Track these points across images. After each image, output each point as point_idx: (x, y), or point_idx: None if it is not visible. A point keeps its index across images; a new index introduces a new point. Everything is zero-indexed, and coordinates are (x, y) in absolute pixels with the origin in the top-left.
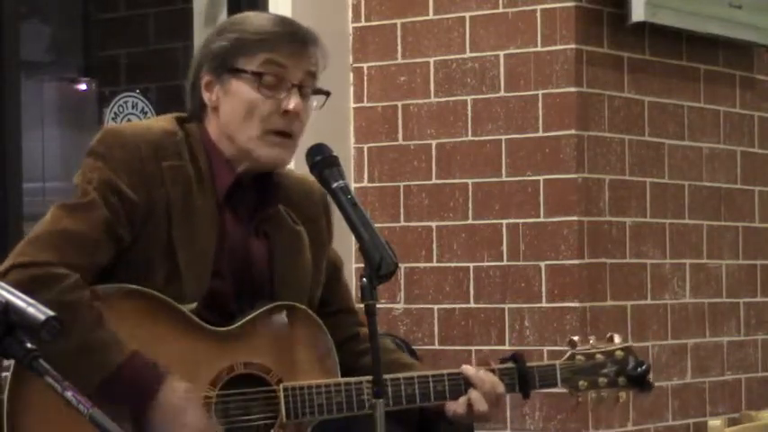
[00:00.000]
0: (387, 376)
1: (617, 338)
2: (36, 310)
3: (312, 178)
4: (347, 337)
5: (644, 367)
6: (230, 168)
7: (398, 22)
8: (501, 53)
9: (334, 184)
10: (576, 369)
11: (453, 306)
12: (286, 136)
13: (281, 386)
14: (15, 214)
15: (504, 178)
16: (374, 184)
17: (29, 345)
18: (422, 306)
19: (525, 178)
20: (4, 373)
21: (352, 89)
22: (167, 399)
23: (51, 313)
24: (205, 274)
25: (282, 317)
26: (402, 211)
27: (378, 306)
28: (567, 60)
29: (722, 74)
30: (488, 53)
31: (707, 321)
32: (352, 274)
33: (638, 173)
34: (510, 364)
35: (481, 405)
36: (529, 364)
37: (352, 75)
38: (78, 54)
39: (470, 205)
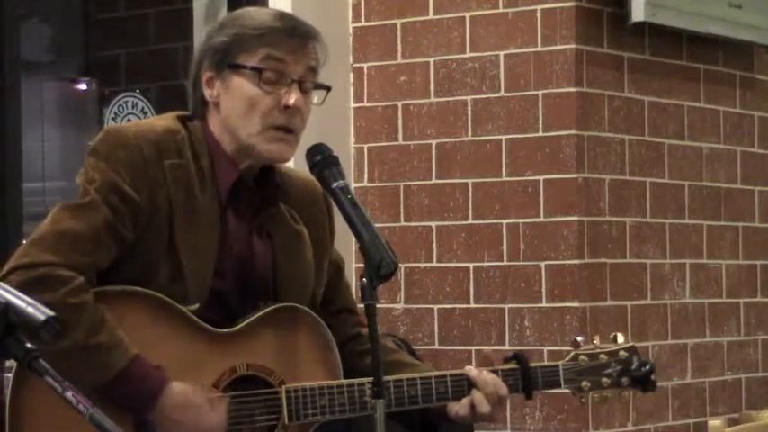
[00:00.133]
0: (389, 377)
1: (620, 338)
2: (36, 310)
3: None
4: (349, 337)
5: (648, 367)
6: (232, 165)
7: (398, 22)
8: (501, 53)
9: (334, 184)
10: (579, 369)
11: (453, 306)
12: (287, 131)
13: (284, 388)
14: (15, 214)
15: (504, 178)
16: (374, 184)
17: (29, 345)
18: (422, 306)
19: (525, 178)
20: (6, 374)
21: (352, 89)
22: (170, 401)
23: (51, 313)
24: (207, 274)
25: (285, 318)
26: (402, 211)
27: (378, 306)
28: (567, 60)
29: (722, 74)
30: (488, 53)
31: (707, 321)
32: (352, 274)
33: (638, 173)
34: (513, 365)
35: (484, 406)
36: (532, 364)
37: (352, 75)
38: (78, 54)
39: (470, 205)
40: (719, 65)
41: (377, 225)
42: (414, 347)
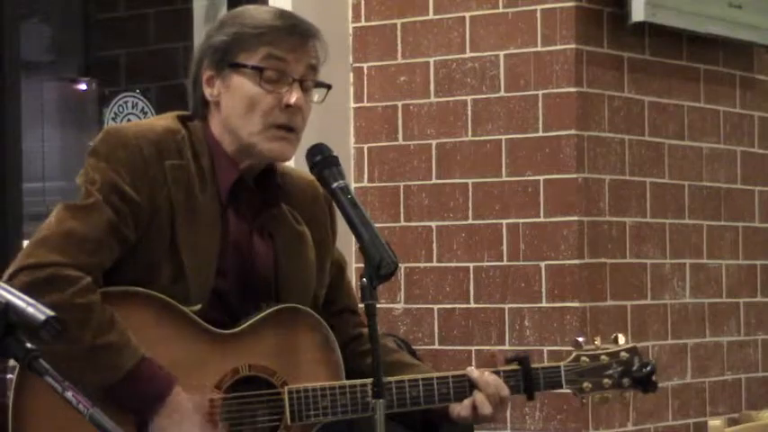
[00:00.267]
0: (391, 379)
1: (621, 339)
2: (36, 310)
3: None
4: (350, 337)
5: (649, 368)
6: (233, 165)
7: (398, 22)
8: (501, 53)
9: (334, 184)
10: (580, 371)
11: (453, 306)
12: (288, 130)
13: (286, 388)
14: (15, 214)
15: (504, 178)
16: (374, 184)
17: (29, 345)
18: (422, 306)
19: (525, 178)
20: (8, 376)
21: (352, 89)
22: (176, 404)
23: (51, 313)
24: (209, 273)
25: (287, 319)
26: (402, 211)
27: (378, 306)
28: (567, 60)
29: (722, 74)
30: (488, 53)
31: (707, 321)
32: (352, 274)
33: (638, 173)
34: (515, 366)
35: (485, 408)
36: (533, 365)
37: (352, 75)
38: (78, 54)
39: (470, 205)
40: (719, 65)
41: (377, 225)
42: (414, 347)
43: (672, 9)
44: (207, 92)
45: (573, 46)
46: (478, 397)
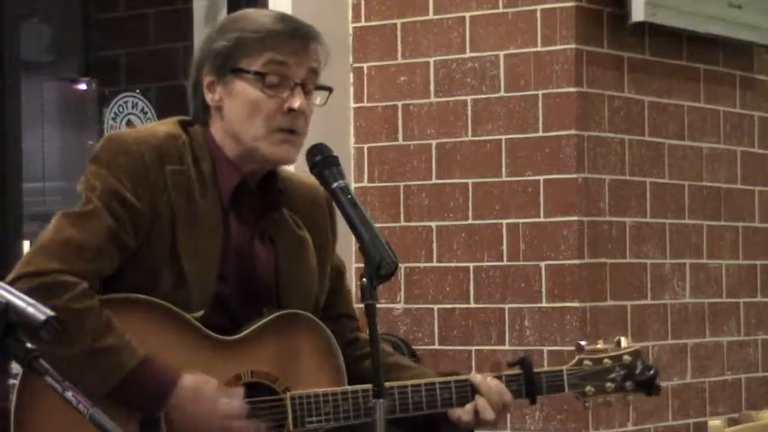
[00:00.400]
0: (394, 384)
1: (624, 342)
2: (36, 310)
3: (317, 182)
4: (347, 342)
5: (652, 372)
6: (235, 169)
7: (398, 22)
8: (501, 53)
9: (334, 184)
10: (583, 375)
11: (453, 306)
12: (291, 133)
13: (289, 394)
14: (15, 214)
15: (504, 178)
16: (374, 184)
17: (29, 345)
18: (422, 306)
19: (525, 178)
20: (10, 381)
21: (352, 89)
22: (183, 395)
23: (51, 313)
24: (211, 279)
25: (289, 324)
26: (402, 211)
27: (378, 306)
28: (567, 60)
29: (722, 74)
30: (488, 53)
31: (707, 321)
32: (352, 274)
33: (638, 173)
34: (517, 370)
35: (488, 413)
36: (536, 370)
37: (352, 75)
38: (78, 54)
39: (470, 205)
40: (719, 65)
41: (377, 225)
42: (414, 347)
43: (672, 9)
44: (208, 97)
45: (573, 46)
46: (481, 402)
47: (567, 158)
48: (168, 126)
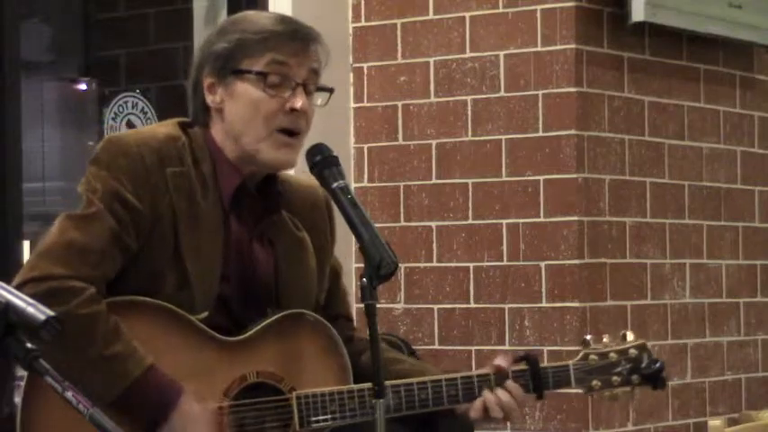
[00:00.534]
0: (400, 381)
1: (630, 336)
2: (36, 310)
3: (316, 184)
4: (344, 340)
5: (658, 365)
6: (235, 171)
7: (398, 22)
8: (501, 53)
9: (334, 184)
10: (589, 369)
11: (453, 306)
12: (293, 134)
13: (294, 394)
14: (15, 214)
15: (504, 178)
16: (374, 184)
17: (29, 345)
18: (422, 306)
19: (525, 178)
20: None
21: (352, 89)
22: (185, 411)
23: (51, 313)
24: (214, 280)
25: (293, 324)
26: (402, 211)
27: (378, 306)
28: (567, 60)
29: (722, 74)
30: (488, 53)
31: (707, 321)
32: (352, 274)
33: (638, 173)
34: (523, 366)
35: (496, 411)
36: (542, 365)
37: (352, 75)
38: (78, 54)
39: (470, 205)
40: (719, 65)
41: (377, 225)
42: (414, 347)
43: (672, 9)
44: (208, 99)
45: (573, 46)
46: (489, 398)
47: (567, 158)
48: (168, 128)
